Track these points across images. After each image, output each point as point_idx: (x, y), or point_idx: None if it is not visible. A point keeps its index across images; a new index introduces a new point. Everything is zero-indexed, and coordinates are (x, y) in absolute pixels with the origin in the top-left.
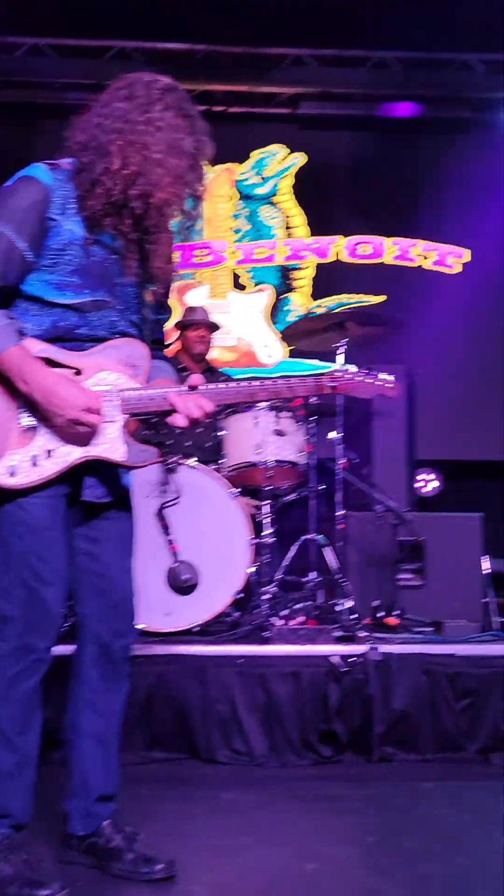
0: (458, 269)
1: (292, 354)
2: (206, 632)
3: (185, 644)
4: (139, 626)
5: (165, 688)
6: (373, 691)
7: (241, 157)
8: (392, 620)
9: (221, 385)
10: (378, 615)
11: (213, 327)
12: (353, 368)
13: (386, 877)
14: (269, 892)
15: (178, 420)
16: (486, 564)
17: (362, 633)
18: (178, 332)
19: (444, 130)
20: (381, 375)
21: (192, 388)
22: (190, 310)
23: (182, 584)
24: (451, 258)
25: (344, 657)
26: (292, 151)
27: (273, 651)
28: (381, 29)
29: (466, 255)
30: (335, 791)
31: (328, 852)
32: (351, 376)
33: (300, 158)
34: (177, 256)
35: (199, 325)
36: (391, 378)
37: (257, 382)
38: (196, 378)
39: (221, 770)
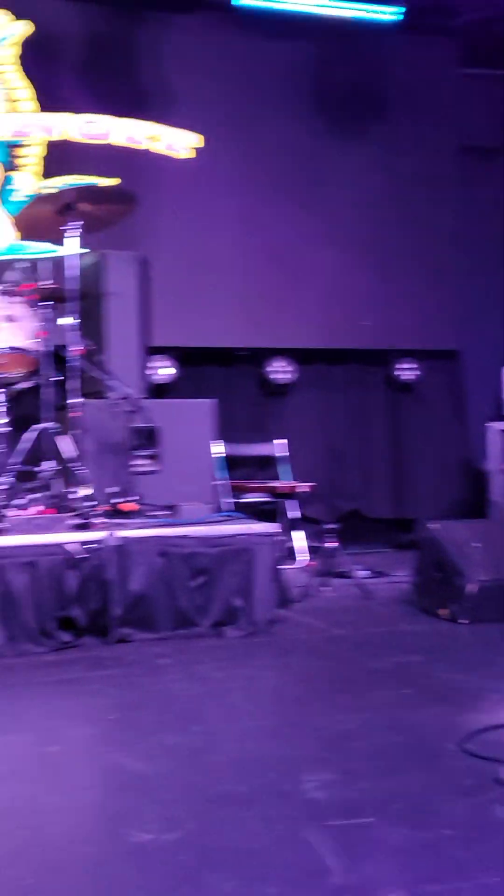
0: (190, 154)
1: (25, 237)
2: None
3: None
4: None
5: None
6: (110, 576)
7: None
8: (128, 506)
9: None
10: (114, 502)
11: None
12: None
13: (127, 750)
14: (10, 777)
15: None
16: (217, 448)
17: (99, 520)
18: None
19: (172, 8)
20: None
21: None
22: None
23: None
24: (180, 142)
25: (81, 544)
26: (18, 18)
27: (8, 542)
28: None
29: (199, 139)
30: (76, 674)
31: (70, 733)
32: None
33: (25, 27)
34: None
35: None
36: None
37: None
38: None
39: None
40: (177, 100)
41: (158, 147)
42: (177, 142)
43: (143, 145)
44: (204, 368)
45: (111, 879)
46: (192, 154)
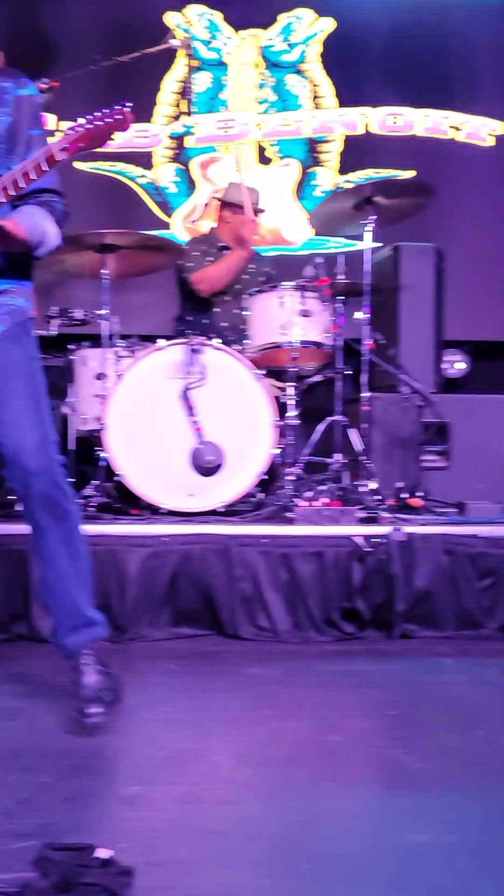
0: (491, 142)
1: (320, 232)
2: (231, 512)
3: (210, 524)
4: (164, 506)
5: (191, 566)
6: (395, 570)
7: (269, 23)
8: (415, 502)
9: None
10: (402, 496)
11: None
12: (80, 120)
13: (405, 748)
14: (290, 762)
15: None
16: None
17: (386, 515)
18: (224, 208)
19: None
20: (114, 108)
21: None
22: (243, 189)
23: (206, 464)
24: (484, 130)
25: (367, 538)
26: (321, 16)
27: (297, 531)
28: None
29: (501, 127)
30: (357, 666)
31: (349, 724)
32: (81, 129)
33: (329, 24)
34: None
35: (256, 211)
36: (125, 106)
37: None
38: None
39: (245, 646)
40: (481, 87)
41: (460, 136)
42: (480, 130)
43: (447, 135)
44: (498, 363)
45: (387, 876)
46: (493, 142)
